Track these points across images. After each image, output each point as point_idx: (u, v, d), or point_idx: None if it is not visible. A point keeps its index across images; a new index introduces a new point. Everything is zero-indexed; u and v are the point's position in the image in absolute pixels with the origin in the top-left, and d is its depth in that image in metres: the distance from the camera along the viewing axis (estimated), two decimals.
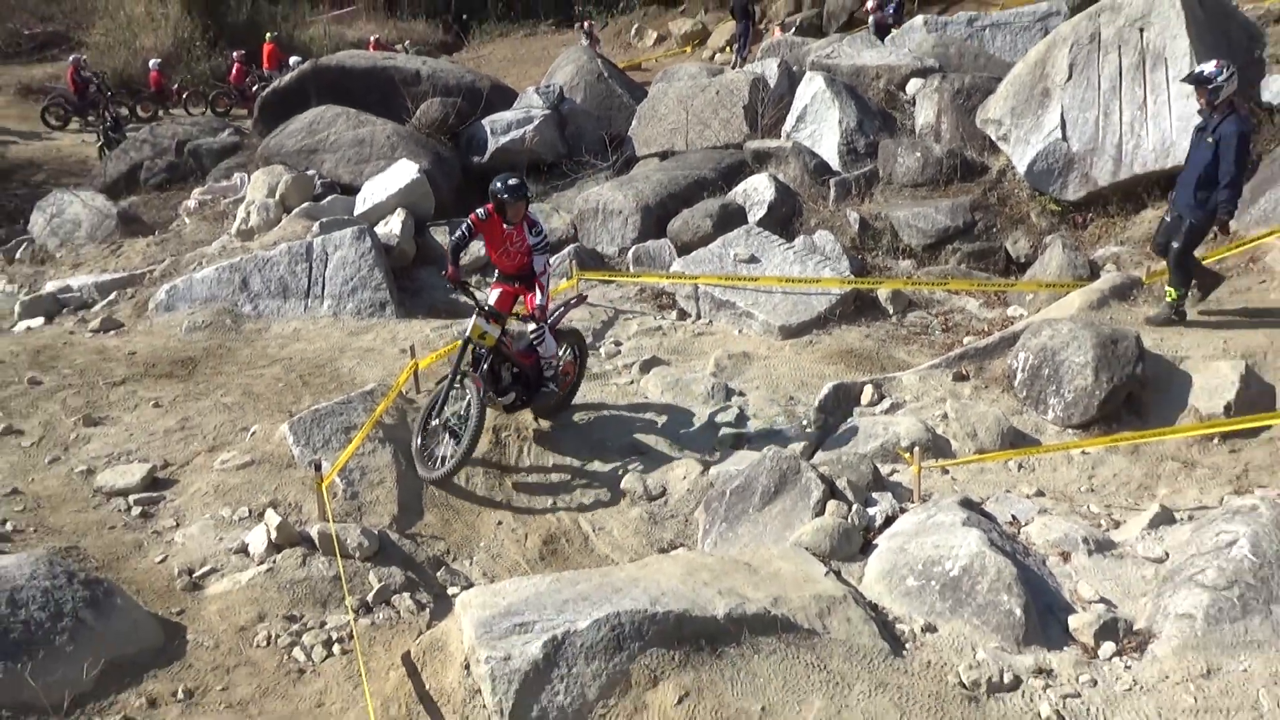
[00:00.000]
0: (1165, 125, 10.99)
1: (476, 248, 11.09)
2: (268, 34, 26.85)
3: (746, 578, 5.46)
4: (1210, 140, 8.21)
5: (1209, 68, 8.28)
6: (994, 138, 12.31)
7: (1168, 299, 8.86)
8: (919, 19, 17.50)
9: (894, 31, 17.59)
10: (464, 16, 34.88)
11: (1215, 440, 7.41)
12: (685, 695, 4.68)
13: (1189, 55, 10.87)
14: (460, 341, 7.94)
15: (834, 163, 13.53)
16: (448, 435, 7.66)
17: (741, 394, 9.10)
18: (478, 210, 7.81)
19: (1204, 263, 9.07)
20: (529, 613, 5.03)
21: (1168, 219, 8.78)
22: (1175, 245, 8.57)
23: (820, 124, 13.99)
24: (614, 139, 16.07)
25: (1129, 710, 4.79)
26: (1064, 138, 11.45)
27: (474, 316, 7.71)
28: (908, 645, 5.22)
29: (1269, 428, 7.37)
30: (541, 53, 28.07)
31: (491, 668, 4.74)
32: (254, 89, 22.78)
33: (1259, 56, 11.99)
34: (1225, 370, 7.86)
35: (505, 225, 7.79)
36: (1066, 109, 11.51)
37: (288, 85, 18.01)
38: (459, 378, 7.71)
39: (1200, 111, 8.46)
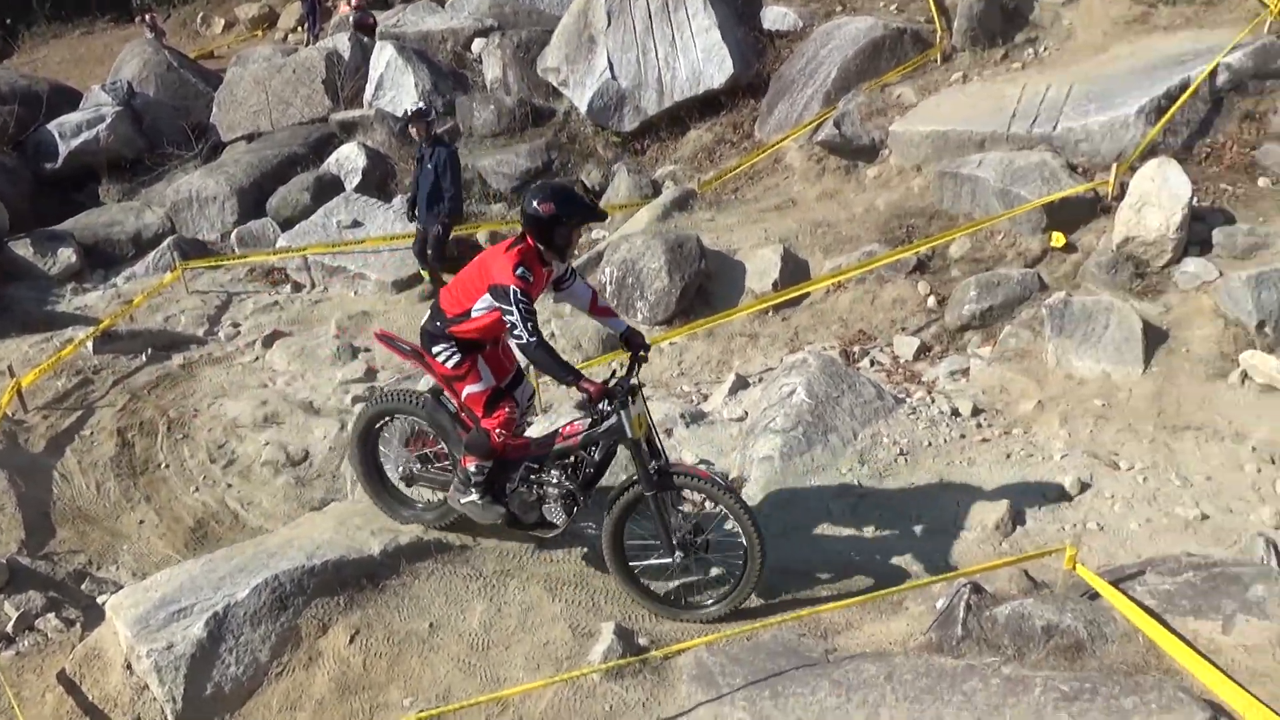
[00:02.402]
0: (693, 56, 11.74)
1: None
2: None
3: None
4: (430, 167, 9.37)
5: (424, 105, 9.79)
6: (555, 84, 12.60)
7: None
8: None
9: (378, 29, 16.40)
10: (7, 21, 30.30)
11: (769, 313, 8.18)
12: (356, 633, 4.58)
13: None
14: (623, 444, 4.68)
15: None
16: (692, 552, 4.76)
17: (367, 350, 8.84)
18: (515, 271, 4.46)
19: (738, 169, 9.96)
20: (185, 598, 4.68)
21: (418, 229, 9.74)
22: (429, 252, 9.62)
23: (398, 89, 13.65)
24: (196, 128, 14.79)
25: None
26: (614, 77, 11.94)
27: (619, 406, 4.54)
28: (549, 537, 5.39)
29: (808, 295, 8.25)
30: (104, 50, 24.97)
31: (155, 660, 4.39)
32: None
33: None
34: (769, 254, 8.67)
35: (545, 267, 4.71)
36: (611, 51, 11.99)
37: None
38: (657, 485, 4.60)
39: (420, 141, 9.51)
